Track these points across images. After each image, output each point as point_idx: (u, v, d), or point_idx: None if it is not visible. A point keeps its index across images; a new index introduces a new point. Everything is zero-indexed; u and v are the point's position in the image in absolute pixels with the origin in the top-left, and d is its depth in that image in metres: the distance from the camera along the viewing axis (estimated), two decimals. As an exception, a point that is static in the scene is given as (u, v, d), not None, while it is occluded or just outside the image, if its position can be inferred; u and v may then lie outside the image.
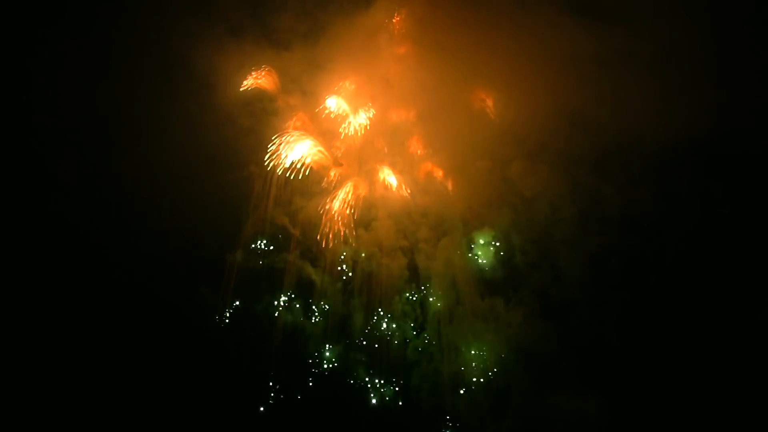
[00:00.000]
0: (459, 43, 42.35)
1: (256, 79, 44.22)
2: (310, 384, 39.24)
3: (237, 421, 38.12)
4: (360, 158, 43.47)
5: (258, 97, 44.46)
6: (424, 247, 41.87)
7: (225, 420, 37.92)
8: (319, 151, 42.05)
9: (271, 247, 42.08)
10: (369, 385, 39.40)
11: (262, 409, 38.56)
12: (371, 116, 42.93)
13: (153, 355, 37.88)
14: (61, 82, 42.32)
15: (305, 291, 41.10)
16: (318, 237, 40.75)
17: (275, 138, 41.18)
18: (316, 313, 40.73)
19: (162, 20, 43.40)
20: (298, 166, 40.92)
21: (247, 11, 45.54)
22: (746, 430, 35.58)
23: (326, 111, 42.70)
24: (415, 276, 41.32)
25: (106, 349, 37.80)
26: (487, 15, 42.38)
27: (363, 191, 41.99)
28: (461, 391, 38.87)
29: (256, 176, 41.98)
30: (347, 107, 42.92)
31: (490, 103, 43.47)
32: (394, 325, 40.39)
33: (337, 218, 40.59)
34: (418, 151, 43.97)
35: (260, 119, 43.95)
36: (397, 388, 39.35)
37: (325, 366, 39.60)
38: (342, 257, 41.48)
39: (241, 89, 43.97)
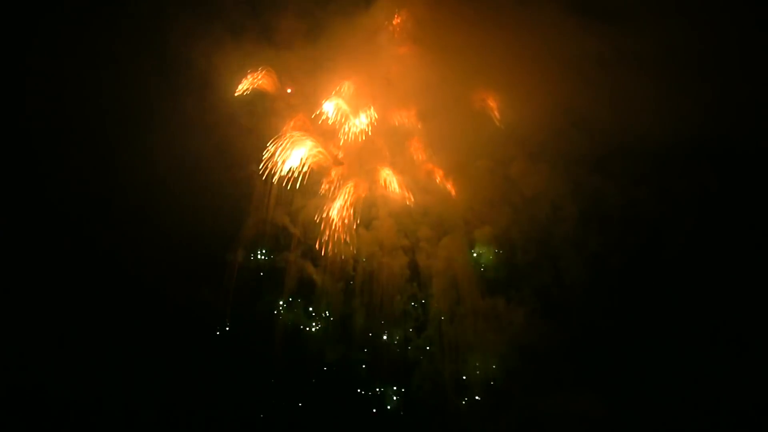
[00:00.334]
0: (460, 42, 42.32)
1: (256, 79, 44.08)
2: (313, 382, 39.24)
3: (237, 421, 38.00)
4: (360, 158, 43.46)
5: (258, 96, 44.33)
6: (425, 246, 41.91)
7: (225, 420, 37.82)
8: (319, 151, 41.99)
9: (272, 248, 42.00)
10: (369, 385, 39.39)
11: (262, 409, 38.47)
12: (372, 117, 42.87)
13: (153, 356, 37.74)
14: (59, 81, 42.01)
15: (306, 291, 41.03)
16: (317, 246, 40.69)
17: (270, 144, 41.00)
18: (318, 313, 40.71)
19: (161, 19, 43.19)
20: (296, 175, 40.78)
21: (247, 11, 45.41)
22: (746, 430, 35.79)
23: (323, 116, 42.46)
24: (416, 275, 41.32)
25: (106, 349, 37.64)
26: (489, 15, 42.38)
27: (363, 192, 41.98)
28: (461, 391, 38.90)
29: (256, 176, 41.83)
30: (347, 108, 42.86)
31: (491, 102, 43.37)
32: (394, 326, 40.39)
33: (337, 226, 40.52)
34: (419, 151, 43.98)
35: (261, 119, 43.81)
36: (396, 388, 39.37)
37: (326, 369, 39.66)
38: (342, 257, 41.41)
39: (240, 89, 43.81)
